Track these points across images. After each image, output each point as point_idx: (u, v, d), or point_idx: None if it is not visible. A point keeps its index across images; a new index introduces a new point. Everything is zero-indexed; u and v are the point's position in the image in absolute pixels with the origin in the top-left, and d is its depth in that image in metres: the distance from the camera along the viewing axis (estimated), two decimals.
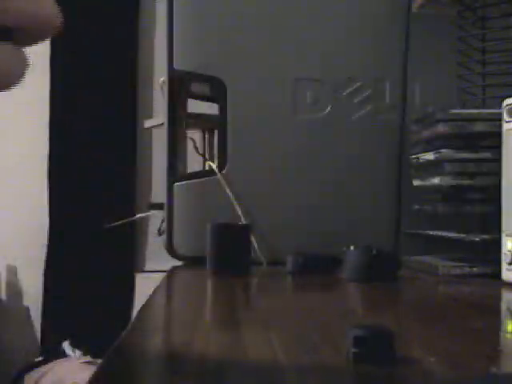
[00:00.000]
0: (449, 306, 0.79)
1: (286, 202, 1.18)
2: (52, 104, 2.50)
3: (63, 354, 2.19)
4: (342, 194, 1.18)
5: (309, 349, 0.55)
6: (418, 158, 1.11)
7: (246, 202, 1.16)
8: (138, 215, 2.18)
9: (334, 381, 0.47)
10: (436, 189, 1.06)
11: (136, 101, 2.54)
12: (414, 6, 1.15)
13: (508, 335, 0.64)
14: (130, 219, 2.02)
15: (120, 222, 1.66)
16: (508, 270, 0.89)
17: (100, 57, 2.49)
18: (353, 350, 0.49)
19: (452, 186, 1.02)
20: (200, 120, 1.55)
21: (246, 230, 1.03)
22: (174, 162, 1.19)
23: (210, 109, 1.39)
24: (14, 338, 2.52)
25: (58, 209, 2.48)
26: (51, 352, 2.26)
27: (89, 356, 2.16)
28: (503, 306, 0.83)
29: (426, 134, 1.08)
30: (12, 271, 2.54)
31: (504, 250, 0.89)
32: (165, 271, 1.07)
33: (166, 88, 1.18)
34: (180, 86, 1.21)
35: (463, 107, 1.09)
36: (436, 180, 1.04)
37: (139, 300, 2.43)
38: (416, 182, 1.12)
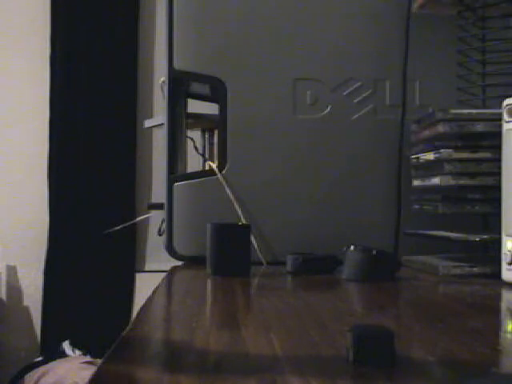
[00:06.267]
0: (449, 306, 0.79)
1: (286, 202, 1.18)
2: (52, 104, 2.50)
3: (63, 354, 2.19)
4: (341, 194, 1.18)
5: (309, 349, 0.55)
6: (418, 158, 1.11)
7: (246, 201, 1.16)
8: (139, 218, 2.18)
9: (334, 381, 0.47)
10: (436, 189, 1.06)
11: (136, 101, 2.54)
12: (414, 6, 1.15)
13: (508, 335, 0.64)
14: (130, 222, 2.02)
15: (120, 227, 1.66)
16: (508, 269, 0.89)
17: (100, 57, 2.49)
18: (352, 349, 0.49)
19: (452, 185, 1.02)
20: (200, 120, 1.55)
21: (246, 230, 1.03)
22: (174, 162, 1.19)
23: (210, 109, 1.39)
24: (14, 338, 2.52)
25: (57, 209, 2.48)
26: (51, 352, 2.26)
27: (89, 356, 2.16)
28: (503, 306, 0.83)
29: (425, 133, 1.08)
30: (12, 271, 2.54)
31: (504, 250, 0.89)
32: (165, 271, 1.07)
33: (166, 88, 1.18)
34: (180, 86, 1.21)
35: (463, 107, 1.09)
36: (436, 180, 1.04)
37: (139, 300, 2.43)
38: (416, 182, 1.12)
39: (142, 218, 2.01)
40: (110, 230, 1.69)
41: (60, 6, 2.49)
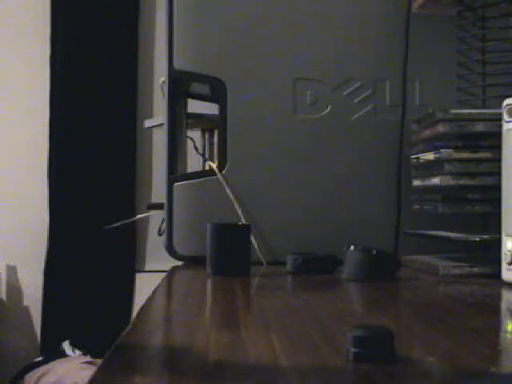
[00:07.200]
0: (449, 306, 0.79)
1: (286, 203, 1.18)
2: (52, 104, 2.50)
3: (63, 354, 2.19)
4: (341, 194, 1.18)
5: (309, 349, 0.55)
6: (418, 158, 1.11)
7: (246, 202, 1.16)
8: (138, 216, 2.18)
9: (334, 381, 0.47)
10: (436, 189, 1.06)
11: (136, 101, 2.54)
12: (414, 6, 1.15)
13: (508, 335, 0.64)
14: (130, 220, 2.01)
15: (119, 224, 1.66)
16: (508, 269, 0.89)
17: (100, 57, 2.49)
18: (353, 350, 0.49)
19: (452, 185, 1.02)
20: (200, 120, 1.55)
21: (246, 230, 1.03)
22: (174, 162, 1.19)
23: (210, 109, 1.39)
24: (14, 338, 2.52)
25: (57, 209, 2.48)
26: (51, 352, 2.26)
27: (89, 356, 2.16)
28: (503, 306, 0.83)
29: (425, 133, 1.08)
30: (12, 271, 2.54)
31: (504, 249, 0.89)
32: (165, 271, 1.07)
33: (166, 88, 1.18)
34: (180, 86, 1.21)
35: (463, 107, 1.09)
36: (436, 180, 1.04)
37: (139, 300, 2.43)
38: (416, 182, 1.12)
39: (141, 216, 2.00)
40: (110, 226, 1.69)
41: (60, 6, 2.49)
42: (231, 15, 1.19)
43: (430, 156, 1.05)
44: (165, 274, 1.05)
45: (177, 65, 1.18)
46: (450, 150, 1.01)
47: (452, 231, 1.04)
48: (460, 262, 1.01)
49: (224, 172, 1.17)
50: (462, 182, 1.01)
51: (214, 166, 1.18)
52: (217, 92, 1.19)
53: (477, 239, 0.99)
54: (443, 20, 1.18)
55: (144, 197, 2.50)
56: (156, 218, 1.49)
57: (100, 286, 2.47)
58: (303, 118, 1.19)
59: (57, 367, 2.06)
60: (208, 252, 1.00)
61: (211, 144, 1.66)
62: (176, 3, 1.18)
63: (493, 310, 0.78)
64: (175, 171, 1.19)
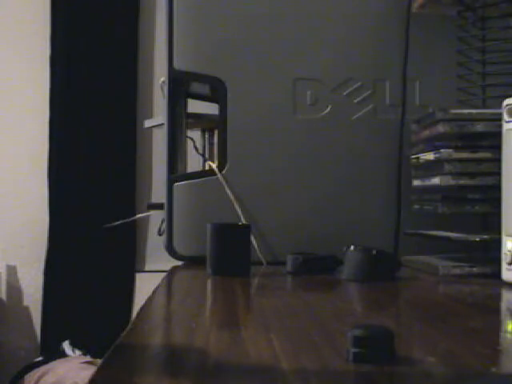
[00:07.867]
0: (449, 306, 0.79)
1: (286, 202, 1.18)
2: (52, 104, 2.50)
3: (63, 354, 2.19)
4: (341, 194, 1.18)
5: (309, 349, 0.55)
6: (418, 158, 1.11)
7: (246, 202, 1.16)
8: (138, 215, 2.18)
9: (334, 381, 0.47)
10: (436, 189, 1.06)
11: (136, 101, 2.54)
12: (414, 6, 1.15)
13: (508, 335, 0.64)
14: (130, 219, 2.01)
15: (119, 222, 1.66)
16: (508, 269, 0.89)
17: (100, 57, 2.49)
18: (353, 350, 0.49)
19: (452, 185, 1.02)
20: (200, 120, 1.55)
21: (246, 230, 1.03)
22: (174, 162, 1.19)
23: (210, 109, 1.39)
24: (14, 338, 2.52)
25: (57, 209, 2.48)
26: (51, 352, 2.26)
27: (89, 356, 2.16)
28: (503, 306, 0.83)
29: (425, 133, 1.08)
30: (12, 271, 2.54)
31: (504, 249, 0.89)
32: (165, 271, 1.07)
33: (166, 88, 1.18)
34: (180, 86, 1.21)
35: (463, 107, 1.09)
36: (436, 180, 1.04)
37: (139, 300, 2.43)
38: (416, 182, 1.12)
39: (141, 215, 2.01)
40: (109, 225, 1.69)
41: (60, 6, 2.49)
42: (231, 15, 1.19)
43: (430, 156, 1.05)
44: (165, 273, 1.05)
45: (177, 65, 1.18)
46: (450, 150, 1.01)
47: (452, 231, 1.04)
48: (460, 262, 1.01)
49: (224, 172, 1.17)
50: (461, 182, 1.01)
51: (214, 166, 1.18)
52: (217, 92, 1.19)
53: (477, 239, 0.99)
54: (443, 20, 1.18)
55: (144, 197, 2.50)
56: (156, 218, 1.49)
57: (100, 286, 2.47)
58: (303, 118, 1.19)
59: (57, 367, 2.06)
60: (208, 252, 1.00)
61: (211, 144, 1.66)
62: (176, 3, 1.18)
63: (493, 310, 0.78)
64: (175, 171, 1.19)
